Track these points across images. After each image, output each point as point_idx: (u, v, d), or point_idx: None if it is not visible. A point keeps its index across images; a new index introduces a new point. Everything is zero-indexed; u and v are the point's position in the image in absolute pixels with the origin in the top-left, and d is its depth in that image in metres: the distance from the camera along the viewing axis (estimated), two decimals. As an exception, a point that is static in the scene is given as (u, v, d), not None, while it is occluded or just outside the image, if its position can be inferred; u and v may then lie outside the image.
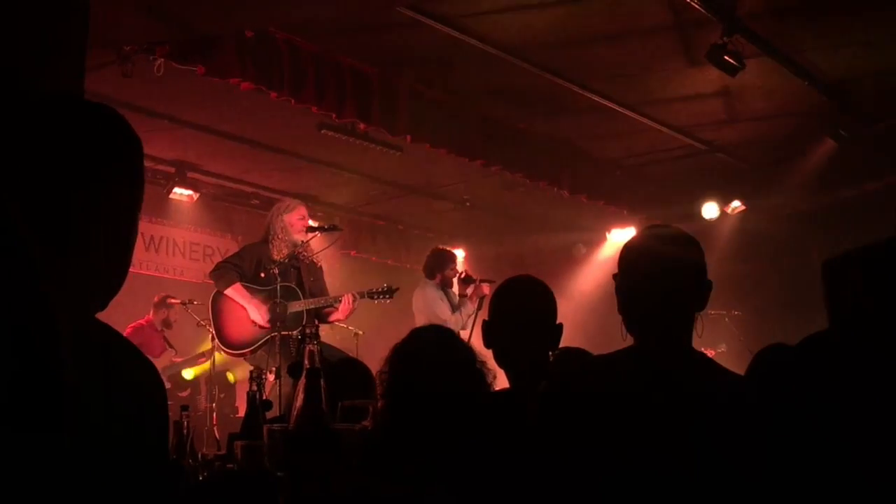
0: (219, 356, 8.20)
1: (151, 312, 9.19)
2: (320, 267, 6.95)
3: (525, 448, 2.41)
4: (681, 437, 2.23)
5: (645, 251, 2.49)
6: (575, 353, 3.60)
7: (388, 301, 6.94)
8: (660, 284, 2.40)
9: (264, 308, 6.52)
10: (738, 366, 3.64)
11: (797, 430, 2.19)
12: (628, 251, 2.50)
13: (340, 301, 6.72)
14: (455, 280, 8.06)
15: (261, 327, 6.55)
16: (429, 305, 7.82)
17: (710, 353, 9.20)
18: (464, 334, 6.30)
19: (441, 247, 8.54)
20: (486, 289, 7.66)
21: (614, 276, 2.50)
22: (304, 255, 6.75)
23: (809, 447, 2.15)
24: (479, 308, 7.71)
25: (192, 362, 9.36)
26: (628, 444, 2.25)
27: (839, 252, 1.91)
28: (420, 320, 7.53)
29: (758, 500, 2.20)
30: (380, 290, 6.85)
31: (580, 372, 2.53)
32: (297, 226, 6.69)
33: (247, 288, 6.59)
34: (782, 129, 9.00)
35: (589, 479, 2.25)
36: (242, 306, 6.57)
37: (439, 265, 8.05)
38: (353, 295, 6.71)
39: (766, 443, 2.28)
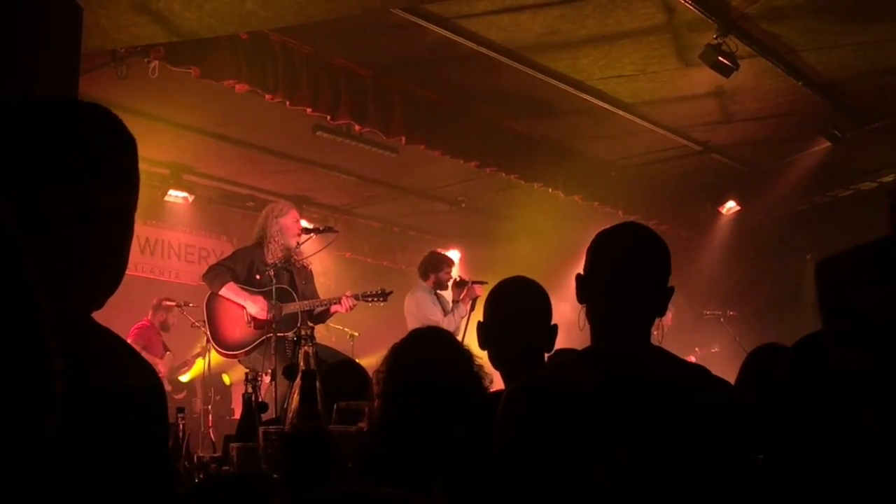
0: (214, 358, 8.19)
1: (150, 314, 9.19)
2: (311, 270, 6.95)
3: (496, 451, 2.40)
4: (640, 437, 2.22)
5: (616, 248, 2.47)
6: (570, 355, 3.60)
7: (382, 303, 6.94)
8: (624, 284, 2.39)
9: (262, 301, 6.50)
10: (733, 366, 3.65)
11: (790, 429, 2.19)
12: (598, 245, 2.48)
13: (335, 302, 6.73)
14: (449, 285, 8.06)
15: (256, 328, 6.54)
16: (420, 309, 7.82)
17: (691, 358, 9.22)
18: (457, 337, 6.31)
19: (438, 250, 8.54)
20: (479, 290, 7.67)
21: (578, 276, 2.48)
22: (296, 259, 6.75)
23: (805, 445, 2.15)
24: (472, 309, 7.72)
25: (188, 363, 9.37)
26: (585, 447, 2.24)
27: (833, 252, 1.91)
28: (411, 324, 7.52)
29: (732, 492, 2.20)
30: (373, 293, 6.86)
31: (538, 378, 2.52)
32: (293, 229, 6.70)
33: (241, 287, 6.58)
34: (777, 130, 9.01)
35: (549, 483, 2.25)
36: (237, 307, 6.56)
37: (434, 266, 8.06)
38: (356, 296, 6.75)
39: (735, 431, 2.28)
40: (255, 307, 6.50)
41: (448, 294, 8.06)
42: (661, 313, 2.44)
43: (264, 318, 6.47)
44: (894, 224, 2.08)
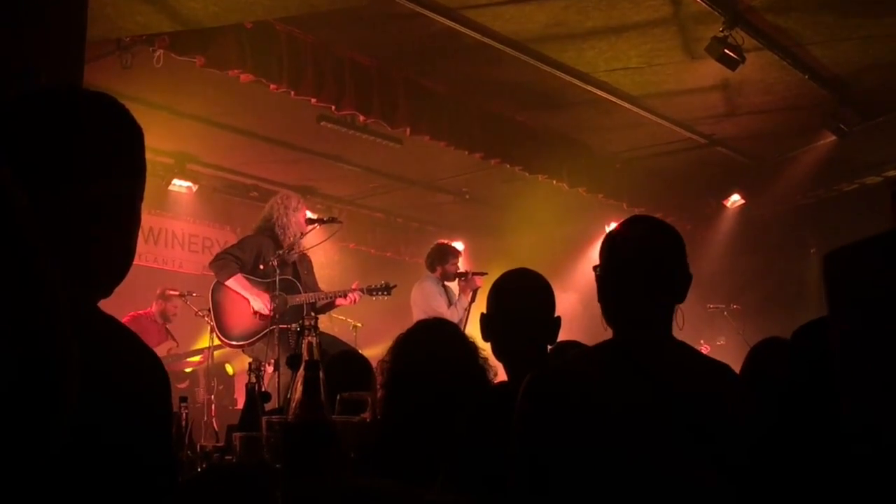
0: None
1: (153, 305, 9.20)
2: (310, 259, 6.99)
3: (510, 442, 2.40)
4: (663, 429, 2.22)
5: (626, 241, 2.48)
6: (572, 347, 3.60)
7: (386, 297, 6.97)
8: (640, 275, 2.40)
9: (266, 297, 6.53)
10: (737, 360, 3.64)
11: (790, 421, 2.18)
12: (610, 240, 2.49)
13: (341, 295, 6.76)
14: (456, 276, 8.06)
15: (260, 319, 6.55)
16: (426, 299, 7.83)
17: (705, 348, 9.22)
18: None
19: (444, 241, 8.53)
20: (479, 281, 7.68)
21: (595, 267, 2.49)
22: (297, 249, 6.78)
23: (804, 441, 2.15)
24: (473, 300, 7.73)
25: (191, 355, 9.36)
26: (608, 439, 2.24)
27: (840, 245, 1.90)
28: (416, 314, 7.54)
29: (744, 490, 2.20)
30: (378, 286, 6.88)
31: (560, 367, 2.52)
32: (303, 224, 6.77)
33: (248, 279, 6.61)
34: (782, 123, 8.99)
35: (571, 475, 2.25)
36: (243, 298, 6.58)
37: (440, 258, 8.06)
38: (362, 290, 6.79)
39: (753, 431, 2.27)
40: (259, 303, 6.53)
41: (454, 286, 8.07)
42: (681, 300, 2.44)
43: (268, 314, 6.51)
44: None
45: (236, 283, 6.58)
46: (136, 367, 1.48)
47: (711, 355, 2.57)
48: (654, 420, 2.23)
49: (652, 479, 2.20)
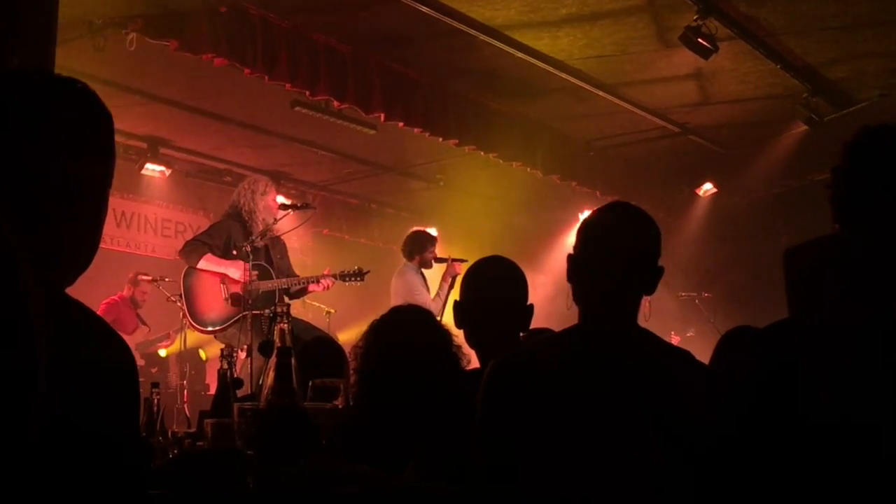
0: (190, 333, 8.16)
1: (126, 289, 9.15)
2: (284, 243, 6.95)
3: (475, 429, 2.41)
4: (624, 417, 2.24)
5: (604, 228, 2.48)
6: (545, 334, 3.61)
7: (359, 283, 6.93)
8: (612, 262, 2.40)
9: (241, 263, 6.44)
10: (708, 349, 3.67)
11: (756, 417, 2.20)
12: (587, 225, 2.49)
13: (314, 281, 6.73)
14: (434, 263, 8.00)
15: (233, 304, 6.51)
16: (409, 290, 7.70)
17: (675, 339, 9.26)
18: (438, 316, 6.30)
19: (420, 228, 8.47)
20: (459, 268, 7.62)
21: (569, 256, 2.49)
22: (270, 233, 6.74)
23: (770, 433, 2.17)
24: (452, 287, 7.68)
25: (170, 337, 9.31)
26: (566, 427, 2.25)
27: (807, 236, 1.93)
28: (395, 303, 7.46)
29: (706, 480, 2.22)
30: (351, 272, 6.84)
31: (522, 354, 2.53)
32: (274, 207, 6.73)
33: (219, 257, 6.56)
34: (755, 113, 9.05)
35: (529, 461, 2.26)
36: (215, 284, 6.53)
37: (419, 247, 7.96)
38: (334, 276, 6.75)
39: (715, 420, 2.29)
40: (237, 271, 6.46)
41: (431, 273, 7.99)
42: (650, 292, 2.45)
43: (247, 280, 6.42)
44: (835, 218, 2.11)
45: (209, 263, 6.52)
46: (105, 355, 1.47)
47: (683, 346, 2.58)
48: (613, 409, 2.24)
49: (608, 467, 2.21)
